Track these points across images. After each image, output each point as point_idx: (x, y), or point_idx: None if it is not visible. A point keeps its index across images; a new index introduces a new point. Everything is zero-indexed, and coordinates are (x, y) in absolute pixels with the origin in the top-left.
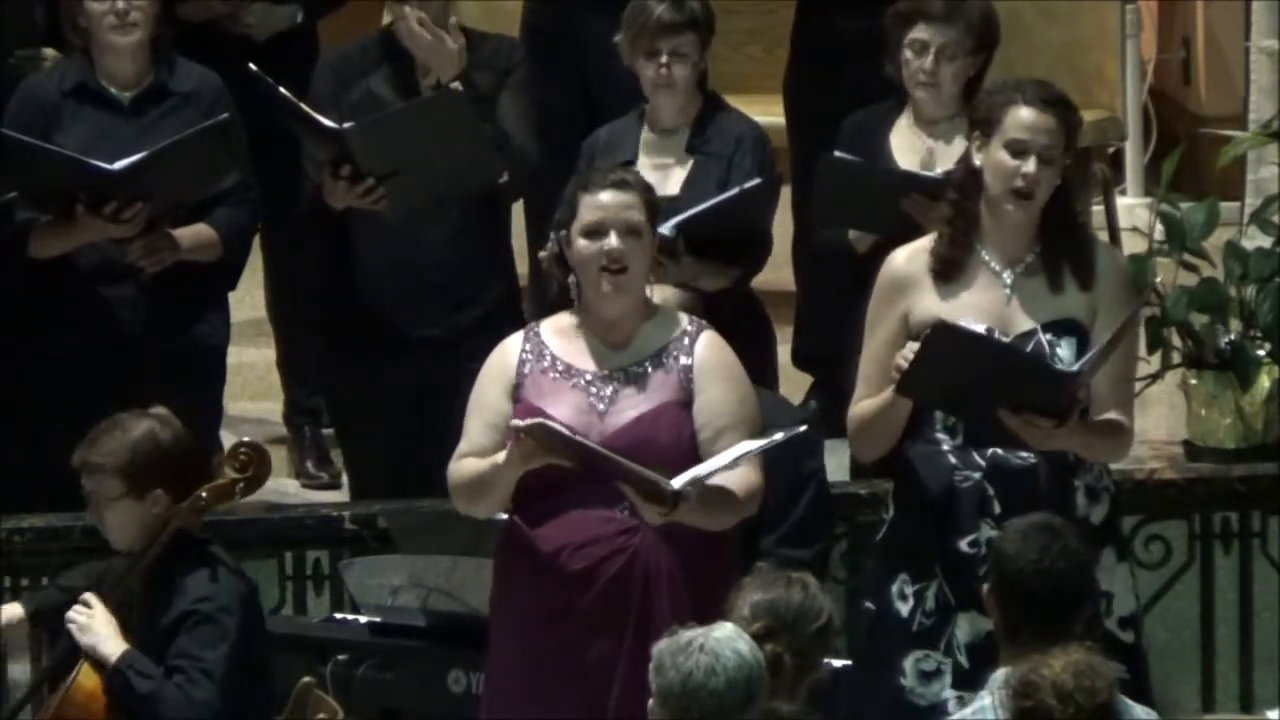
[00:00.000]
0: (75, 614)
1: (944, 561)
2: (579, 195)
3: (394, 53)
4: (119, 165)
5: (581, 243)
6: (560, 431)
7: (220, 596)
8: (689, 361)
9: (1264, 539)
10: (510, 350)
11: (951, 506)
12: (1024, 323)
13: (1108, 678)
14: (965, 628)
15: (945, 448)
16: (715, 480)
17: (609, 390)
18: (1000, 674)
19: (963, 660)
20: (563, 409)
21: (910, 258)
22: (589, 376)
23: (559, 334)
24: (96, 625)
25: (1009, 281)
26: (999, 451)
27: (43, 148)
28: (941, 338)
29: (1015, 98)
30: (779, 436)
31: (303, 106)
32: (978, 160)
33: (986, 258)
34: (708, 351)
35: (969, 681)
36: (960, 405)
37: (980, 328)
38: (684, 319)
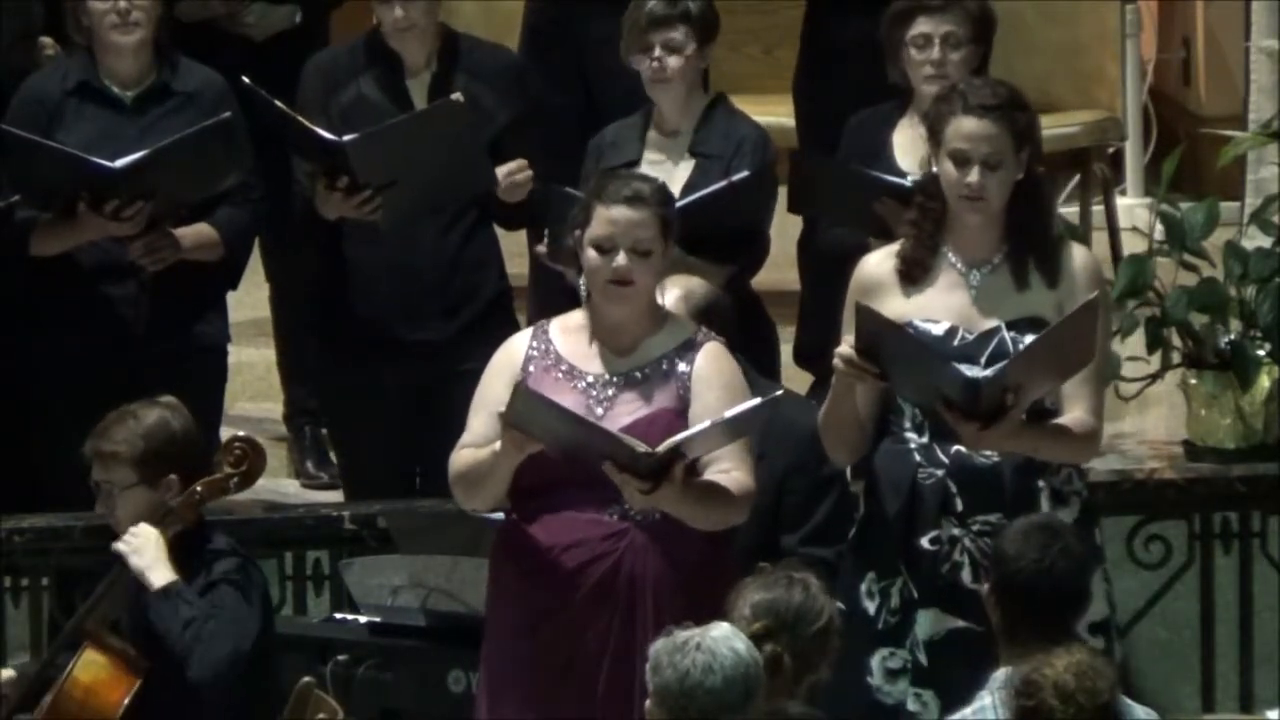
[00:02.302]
0: (126, 540)
1: (907, 559)
2: (593, 203)
3: (382, 55)
4: (120, 163)
5: (591, 253)
6: (540, 395)
7: (250, 578)
8: (688, 370)
9: (1264, 539)
10: (518, 346)
11: (914, 504)
12: (988, 321)
13: (1110, 678)
14: (925, 625)
15: (912, 445)
16: (708, 477)
17: (609, 394)
18: (1001, 674)
19: (921, 657)
20: None
21: (880, 261)
22: (591, 379)
23: (566, 333)
24: (149, 548)
25: (975, 282)
26: (962, 450)
27: (44, 145)
28: (864, 321)
29: (955, 107)
30: (758, 401)
31: (300, 119)
32: (934, 167)
33: (953, 259)
34: (707, 361)
35: (926, 679)
36: (912, 394)
37: (943, 326)
38: (691, 328)
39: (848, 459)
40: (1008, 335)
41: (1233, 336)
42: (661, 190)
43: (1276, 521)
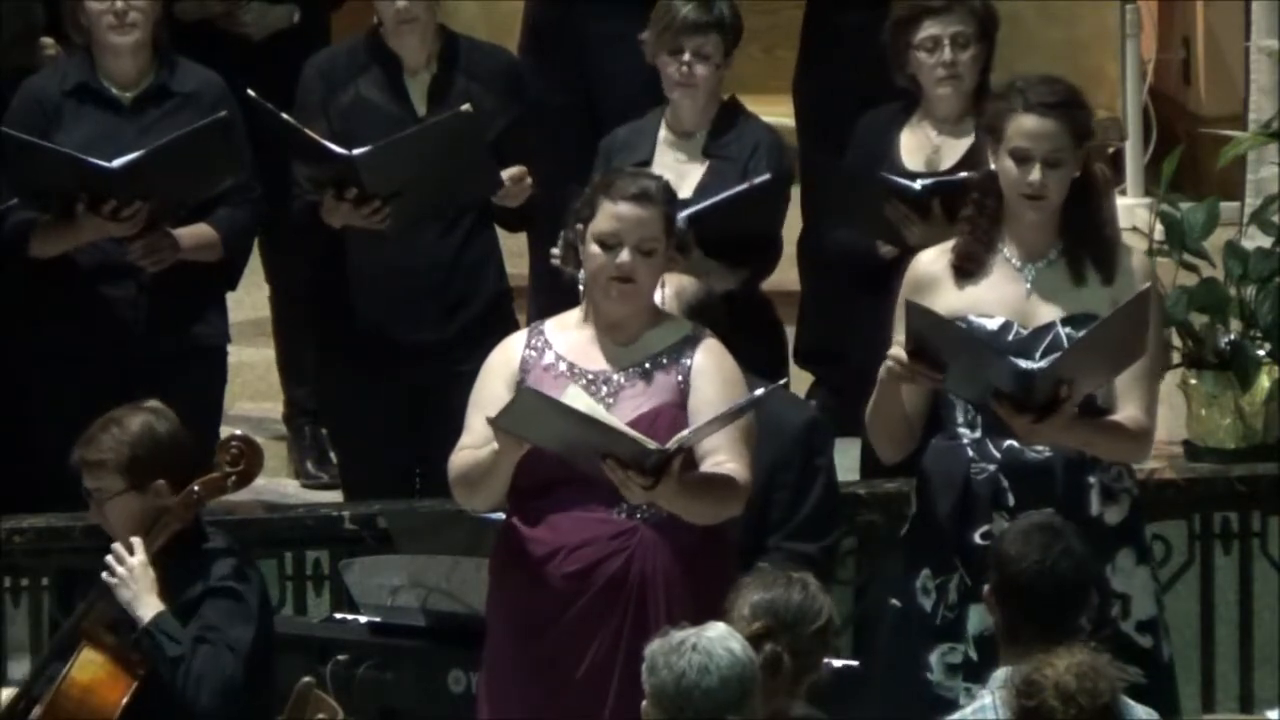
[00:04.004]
0: (113, 562)
1: (961, 553)
2: (599, 198)
3: (381, 55)
4: (117, 163)
5: (594, 249)
6: (545, 395)
7: (249, 581)
8: (689, 364)
9: (1264, 539)
10: (514, 347)
11: (967, 498)
12: (1043, 316)
13: (1110, 679)
14: (975, 620)
15: (964, 440)
16: (705, 469)
17: (610, 390)
18: (1001, 674)
19: (972, 653)
20: None
21: (935, 257)
22: (591, 376)
23: (563, 331)
24: (135, 580)
25: (1030, 276)
26: (1014, 445)
27: (41, 145)
28: (914, 317)
29: (1016, 104)
30: (760, 392)
31: (307, 132)
32: (993, 164)
33: (1008, 254)
34: (706, 356)
35: (977, 674)
36: (965, 390)
37: (997, 321)
38: (688, 325)
39: (895, 455)
40: (1062, 331)
41: (1233, 336)
42: (667, 189)
43: (1276, 521)
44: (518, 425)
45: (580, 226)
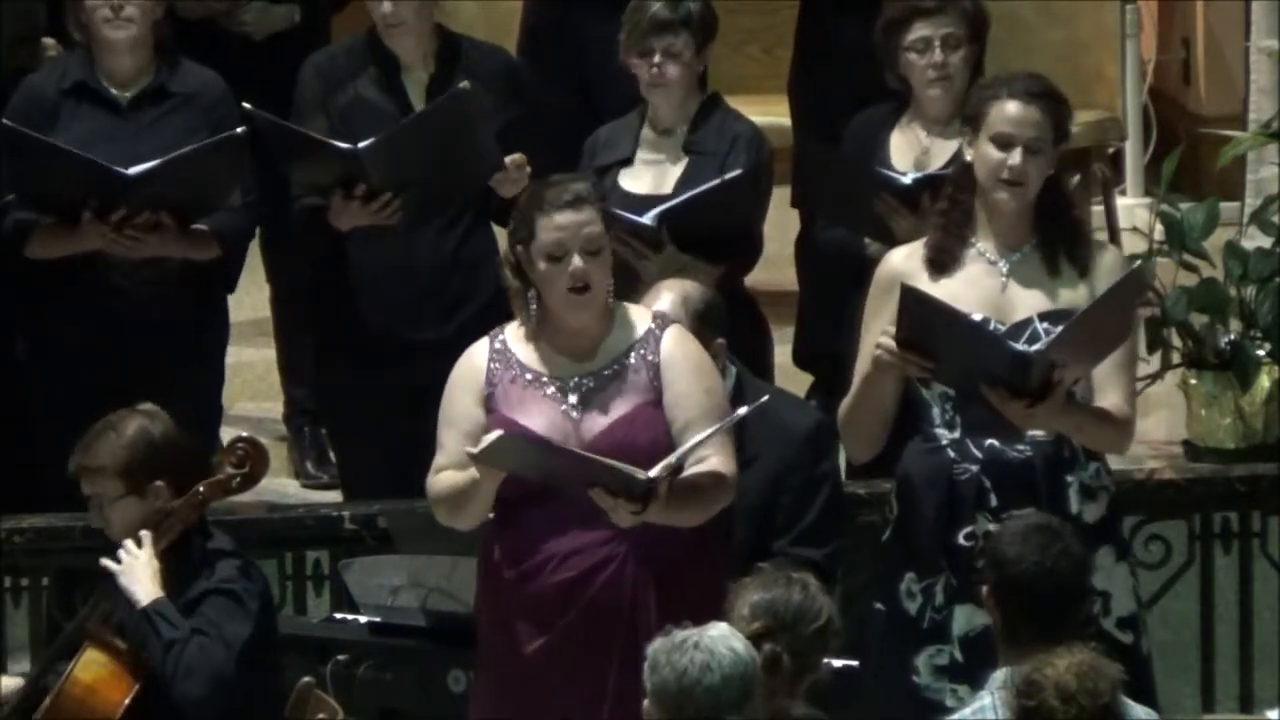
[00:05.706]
0: (121, 553)
1: (947, 555)
2: (535, 216)
3: (379, 55)
4: (133, 171)
5: (543, 265)
6: (525, 434)
7: (251, 582)
8: (655, 359)
9: (1264, 539)
10: (478, 358)
11: (951, 499)
12: (1020, 308)
13: (1111, 678)
14: (961, 621)
15: (944, 442)
16: (686, 473)
17: (580, 397)
18: (1000, 674)
19: (957, 654)
20: (536, 419)
21: (908, 255)
22: (559, 384)
23: (524, 341)
24: (138, 568)
25: (1005, 270)
26: (995, 444)
27: (59, 148)
28: (908, 302)
29: (1001, 92)
30: (742, 412)
31: (311, 134)
32: (969, 155)
33: (981, 249)
34: (673, 346)
35: (961, 675)
36: (956, 378)
37: (976, 317)
38: (646, 318)
39: (868, 453)
40: (1040, 326)
41: (1233, 336)
42: (594, 186)
43: (1276, 521)
44: (499, 461)
45: (520, 248)
